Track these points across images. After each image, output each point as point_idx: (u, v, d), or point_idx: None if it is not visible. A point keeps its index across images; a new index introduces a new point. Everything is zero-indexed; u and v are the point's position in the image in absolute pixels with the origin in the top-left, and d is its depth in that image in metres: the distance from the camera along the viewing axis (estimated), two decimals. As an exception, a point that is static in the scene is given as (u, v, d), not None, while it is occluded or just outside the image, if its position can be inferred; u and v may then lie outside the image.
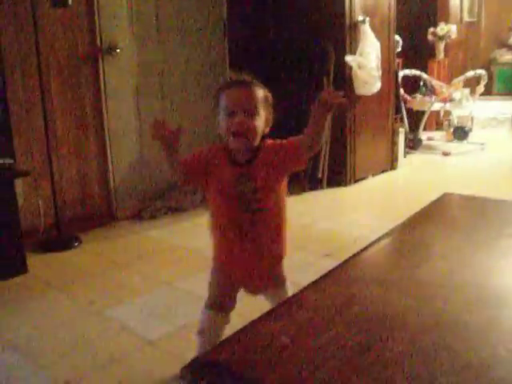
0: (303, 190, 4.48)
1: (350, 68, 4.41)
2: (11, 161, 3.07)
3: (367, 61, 4.38)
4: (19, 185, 3.20)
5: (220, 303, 1.83)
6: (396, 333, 1.02)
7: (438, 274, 1.33)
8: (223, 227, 1.75)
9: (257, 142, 1.67)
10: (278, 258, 1.81)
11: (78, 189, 3.66)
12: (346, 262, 1.36)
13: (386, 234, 1.60)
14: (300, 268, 2.84)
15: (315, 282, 1.22)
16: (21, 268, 2.96)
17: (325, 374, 0.88)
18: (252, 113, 1.61)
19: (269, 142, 1.71)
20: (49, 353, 2.15)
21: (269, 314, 1.10)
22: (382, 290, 1.20)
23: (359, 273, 1.35)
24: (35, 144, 3.38)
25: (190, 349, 1.86)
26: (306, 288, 1.20)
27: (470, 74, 6.16)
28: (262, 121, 1.65)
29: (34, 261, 3.10)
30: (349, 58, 4.36)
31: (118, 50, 3.77)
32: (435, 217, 1.86)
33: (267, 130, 1.71)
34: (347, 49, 4.44)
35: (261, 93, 1.67)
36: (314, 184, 4.52)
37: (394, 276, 1.29)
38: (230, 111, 1.61)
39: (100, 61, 3.70)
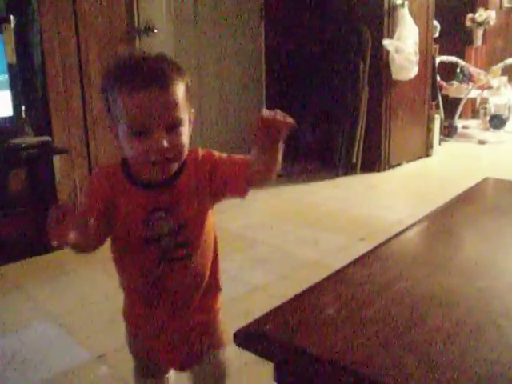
0: (337, 174, 4.46)
1: (387, 53, 4.35)
2: (49, 138, 3.11)
3: (405, 45, 4.32)
4: (57, 162, 3.24)
5: (146, 367, 1.36)
6: (443, 310, 1.01)
7: (482, 256, 1.31)
8: (129, 280, 1.25)
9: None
10: (211, 318, 1.30)
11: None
12: (389, 241, 1.35)
13: (427, 216, 1.59)
14: (334, 252, 2.84)
15: (359, 259, 1.22)
16: (58, 244, 3.01)
17: (372, 348, 0.88)
18: (175, 125, 1.07)
19: (197, 152, 1.18)
20: (87, 325, 2.20)
21: (312, 288, 1.10)
22: (426, 269, 1.19)
23: (402, 252, 1.34)
24: (73, 123, 3.42)
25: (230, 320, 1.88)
26: (349, 264, 1.20)
27: (510, 61, 6.03)
28: (187, 128, 1.11)
29: (71, 237, 3.15)
30: (386, 42, 4.31)
31: (156, 31, 3.78)
32: (477, 200, 1.83)
33: (191, 129, 1.16)
34: (385, 33, 4.38)
35: (181, 87, 1.08)
36: (348, 169, 4.50)
37: (438, 256, 1.28)
38: (138, 129, 1.05)
39: (137, 41, 3.72)
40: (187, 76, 1.12)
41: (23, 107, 3.04)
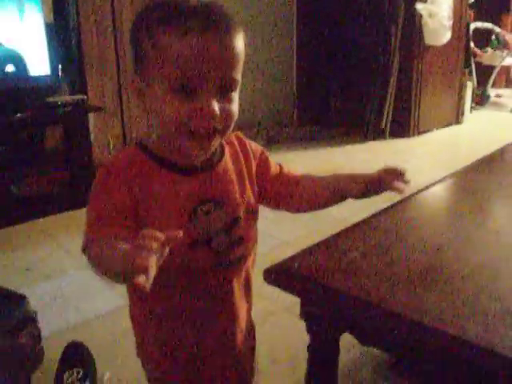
0: (366, 139, 4.48)
1: (420, 17, 4.31)
2: (84, 97, 3.19)
3: (439, 9, 4.27)
4: (91, 120, 3.32)
5: None
6: (463, 256, 1.06)
7: (503, 211, 1.36)
8: (168, 301, 0.92)
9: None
10: (255, 341, 1.10)
11: (146, 127, 3.76)
12: (414, 195, 1.40)
13: (452, 174, 1.63)
14: (363, 210, 2.88)
15: (384, 210, 1.27)
16: (92, 199, 3.12)
17: (395, 285, 0.93)
18: (229, 87, 0.82)
19: (242, 137, 0.99)
20: (120, 275, 2.29)
21: (339, 234, 1.16)
22: (449, 220, 1.24)
23: (427, 205, 1.39)
24: (107, 82, 3.48)
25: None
26: (375, 214, 1.25)
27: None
28: (237, 96, 0.86)
29: (104, 194, 3.25)
30: (419, 7, 4.26)
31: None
32: (502, 161, 1.86)
33: None
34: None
35: (242, 41, 0.83)
36: (377, 134, 4.50)
37: (460, 209, 1.32)
38: (183, 85, 0.79)
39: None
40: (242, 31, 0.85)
41: (60, 66, 3.12)
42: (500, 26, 6.45)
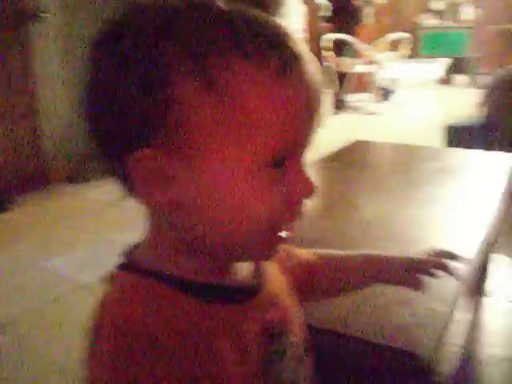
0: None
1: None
2: None
3: (289, 23, 4.53)
4: None
5: None
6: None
7: (338, 200, 1.57)
8: None
9: None
10: None
11: (9, 153, 3.70)
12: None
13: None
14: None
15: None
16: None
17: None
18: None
19: None
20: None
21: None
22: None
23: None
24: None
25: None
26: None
27: (393, 36, 6.42)
28: None
29: (-30, 222, 3.19)
30: (271, 22, 4.52)
31: (46, 15, 3.79)
32: (344, 160, 2.03)
33: None
34: (270, 12, 4.59)
35: None
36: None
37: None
38: (277, 158, 0.50)
39: (27, 26, 3.74)
40: None
41: None
42: (355, 37, 6.93)
